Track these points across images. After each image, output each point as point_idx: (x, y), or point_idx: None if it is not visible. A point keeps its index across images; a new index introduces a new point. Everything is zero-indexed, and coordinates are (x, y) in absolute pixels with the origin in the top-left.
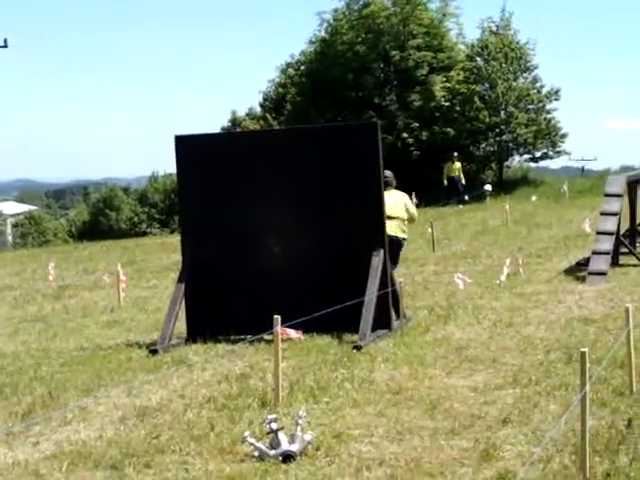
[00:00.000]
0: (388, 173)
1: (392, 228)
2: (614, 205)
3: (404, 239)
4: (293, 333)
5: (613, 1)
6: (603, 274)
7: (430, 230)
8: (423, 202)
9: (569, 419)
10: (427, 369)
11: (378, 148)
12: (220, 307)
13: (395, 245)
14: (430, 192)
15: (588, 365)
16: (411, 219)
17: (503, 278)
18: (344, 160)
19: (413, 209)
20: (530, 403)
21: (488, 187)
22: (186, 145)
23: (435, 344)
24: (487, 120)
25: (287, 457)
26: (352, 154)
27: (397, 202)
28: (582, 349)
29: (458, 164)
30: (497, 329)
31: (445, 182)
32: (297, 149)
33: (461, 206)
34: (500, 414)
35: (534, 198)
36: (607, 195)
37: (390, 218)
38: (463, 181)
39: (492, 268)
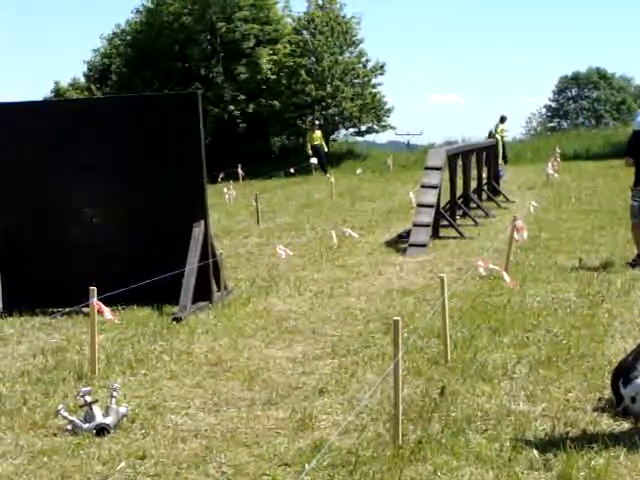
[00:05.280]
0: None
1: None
2: (434, 178)
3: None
4: (108, 314)
5: None
6: (423, 246)
7: (255, 203)
8: (250, 174)
9: (385, 388)
10: (247, 340)
11: (199, 118)
12: (38, 279)
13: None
14: (256, 164)
15: (405, 335)
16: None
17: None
18: (165, 130)
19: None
20: (347, 373)
21: (314, 160)
22: None
23: (256, 315)
24: (313, 93)
25: (101, 430)
26: (173, 124)
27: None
28: (395, 318)
29: (319, 132)
30: (318, 300)
31: (309, 151)
32: (117, 118)
33: (328, 175)
34: (317, 384)
35: (359, 171)
36: (427, 168)
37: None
38: (325, 149)
39: (315, 240)
